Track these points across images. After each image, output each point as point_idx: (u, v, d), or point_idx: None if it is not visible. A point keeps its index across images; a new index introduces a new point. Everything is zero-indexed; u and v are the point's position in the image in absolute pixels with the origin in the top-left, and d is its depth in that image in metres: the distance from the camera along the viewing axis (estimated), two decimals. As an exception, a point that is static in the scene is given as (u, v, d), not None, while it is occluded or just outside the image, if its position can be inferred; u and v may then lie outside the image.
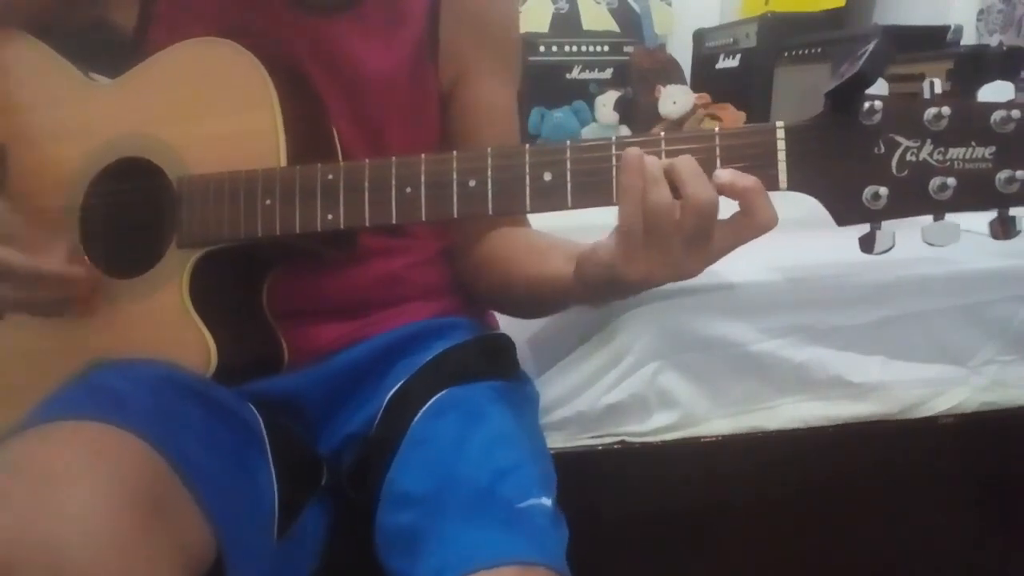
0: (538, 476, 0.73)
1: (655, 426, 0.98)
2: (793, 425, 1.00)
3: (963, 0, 2.06)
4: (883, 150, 0.58)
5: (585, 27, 2.75)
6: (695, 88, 2.21)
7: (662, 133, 0.62)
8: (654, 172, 0.60)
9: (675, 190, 0.60)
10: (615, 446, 0.98)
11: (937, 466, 1.04)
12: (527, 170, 0.65)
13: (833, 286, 1.01)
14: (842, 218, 0.60)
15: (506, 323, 0.99)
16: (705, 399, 0.99)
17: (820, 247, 1.08)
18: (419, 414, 0.77)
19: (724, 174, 0.60)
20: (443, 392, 0.78)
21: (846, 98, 0.58)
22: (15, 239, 0.73)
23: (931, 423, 1.02)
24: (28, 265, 0.72)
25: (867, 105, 0.58)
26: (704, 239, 0.61)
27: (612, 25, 2.77)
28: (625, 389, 0.96)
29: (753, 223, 0.60)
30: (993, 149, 0.57)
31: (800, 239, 1.14)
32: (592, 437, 0.98)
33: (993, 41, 1.95)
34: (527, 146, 0.65)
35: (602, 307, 0.95)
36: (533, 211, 0.65)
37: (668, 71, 2.20)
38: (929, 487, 1.04)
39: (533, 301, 0.85)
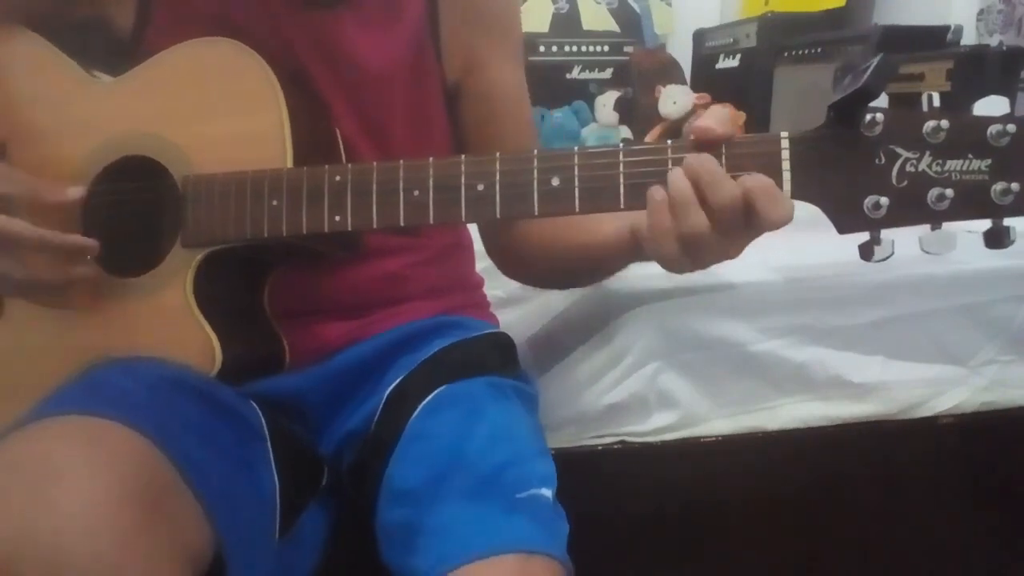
0: (538, 469, 0.73)
1: (655, 426, 0.98)
2: (793, 425, 1.00)
3: (963, 0, 2.06)
4: (883, 161, 0.60)
5: (585, 27, 2.75)
6: (695, 88, 2.20)
7: (669, 142, 0.63)
8: (685, 198, 0.61)
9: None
10: (615, 446, 0.98)
11: (937, 466, 1.04)
12: (535, 175, 0.65)
13: (833, 286, 1.01)
14: (844, 226, 0.61)
15: (506, 322, 0.99)
16: (705, 399, 0.99)
17: (820, 247, 1.08)
18: (417, 410, 0.77)
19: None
20: (441, 388, 0.78)
21: (849, 111, 0.60)
22: (23, 211, 0.72)
23: (931, 423, 1.02)
24: (36, 235, 0.71)
25: (869, 117, 0.59)
26: (738, 230, 0.62)
27: (612, 25, 2.77)
28: (625, 389, 0.96)
29: (769, 222, 0.61)
30: (989, 161, 0.58)
31: (800, 239, 1.14)
32: (592, 437, 0.98)
33: (993, 41, 1.95)
34: (535, 151, 0.66)
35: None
36: (541, 215, 0.66)
37: (668, 71, 2.20)
38: (929, 487, 1.05)
39: (590, 267, 0.86)
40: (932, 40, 1.84)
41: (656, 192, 0.62)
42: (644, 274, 0.99)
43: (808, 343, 1.00)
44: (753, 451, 0.99)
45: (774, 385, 1.00)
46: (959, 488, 1.06)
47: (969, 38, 1.96)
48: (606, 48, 2.54)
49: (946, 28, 1.89)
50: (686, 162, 0.62)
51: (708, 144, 0.62)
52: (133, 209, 0.80)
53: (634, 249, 0.72)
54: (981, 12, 2.02)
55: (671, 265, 0.66)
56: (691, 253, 0.63)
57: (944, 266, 1.03)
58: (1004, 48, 1.73)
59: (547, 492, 0.71)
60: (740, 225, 0.61)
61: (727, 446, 0.99)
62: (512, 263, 0.95)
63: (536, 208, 0.65)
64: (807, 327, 1.00)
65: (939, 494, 1.05)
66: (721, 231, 0.61)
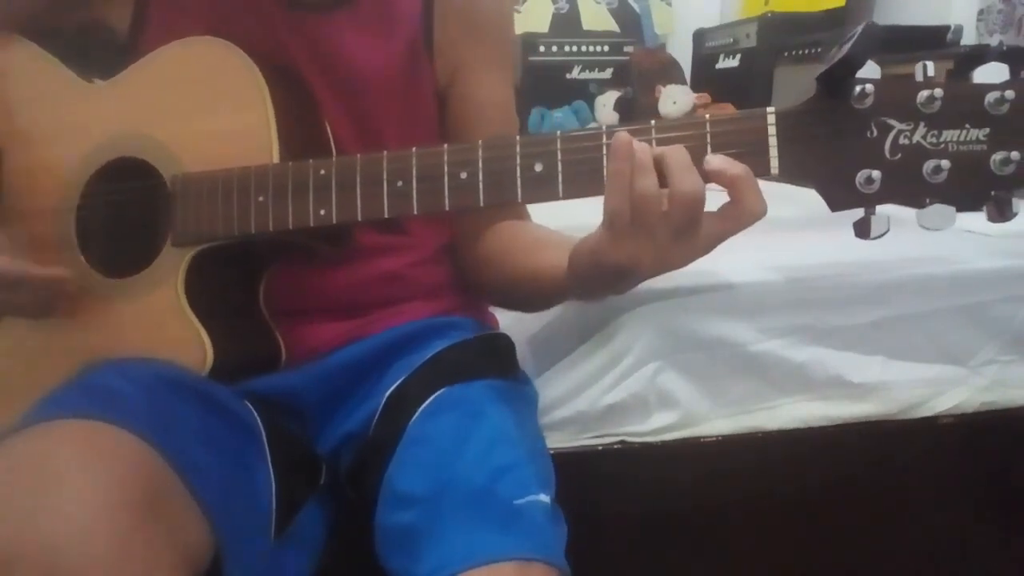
0: (536, 473, 0.72)
1: (655, 426, 0.98)
2: (793, 425, 1.00)
3: (963, 0, 2.06)
4: (876, 134, 0.58)
5: (585, 27, 2.75)
6: (695, 88, 2.21)
7: (652, 121, 0.61)
8: (643, 160, 0.59)
9: (663, 179, 0.59)
10: (615, 446, 0.97)
11: (937, 466, 1.04)
12: (518, 161, 0.64)
13: (833, 286, 1.01)
14: (836, 203, 0.59)
15: (506, 323, 0.99)
16: (705, 399, 0.99)
17: (820, 247, 1.07)
18: (417, 413, 0.77)
19: (715, 160, 0.59)
20: (441, 391, 0.78)
21: (837, 82, 0.58)
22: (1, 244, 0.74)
23: (931, 423, 1.02)
24: (15, 271, 0.73)
25: (859, 89, 0.57)
26: (691, 230, 0.60)
27: (612, 25, 2.78)
28: (625, 389, 0.96)
29: (742, 212, 0.59)
30: (987, 131, 0.56)
31: (800, 239, 1.14)
32: (592, 437, 0.98)
33: (993, 41, 1.95)
34: (518, 137, 0.65)
35: (596, 302, 0.95)
36: (525, 201, 0.66)
37: (668, 71, 2.20)
38: (929, 487, 1.04)
39: (532, 294, 0.85)
40: (932, 40, 1.84)
41: (620, 136, 0.60)
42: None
43: (808, 343, 1.00)
44: (753, 451, 0.99)
45: (774, 385, 1.00)
46: (959, 488, 1.05)
47: (969, 38, 1.96)
48: (606, 48, 2.54)
49: (946, 28, 1.89)
50: (657, 148, 0.59)
51: (725, 183, 0.60)
52: (126, 210, 0.80)
53: (568, 277, 0.70)
54: (981, 12, 2.02)
55: (619, 241, 0.61)
56: (639, 219, 0.59)
57: (944, 266, 1.03)
58: (1004, 48, 1.73)
59: (545, 497, 0.70)
60: (696, 225, 0.59)
61: (727, 446, 0.98)
62: (474, 283, 0.93)
63: (520, 194, 0.65)
64: (807, 327, 0.99)
65: (939, 494, 1.05)
66: (673, 222, 0.59)
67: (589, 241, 0.65)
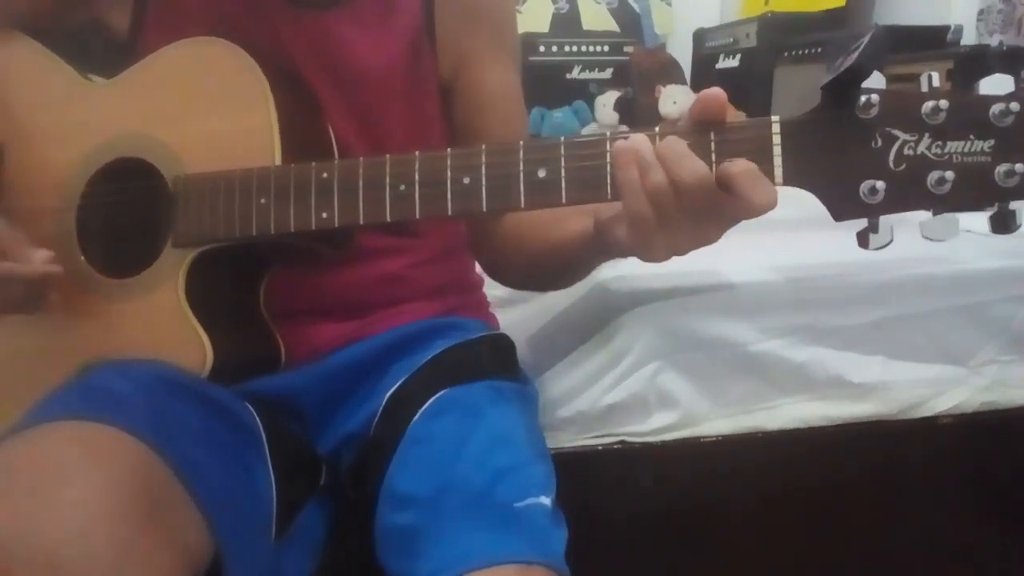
0: (537, 476, 0.73)
1: (655, 426, 0.98)
2: (793, 425, 1.00)
3: (963, 0, 2.06)
4: (880, 144, 0.57)
5: (585, 27, 2.75)
6: (695, 88, 2.21)
7: (656, 128, 0.61)
8: (647, 158, 0.59)
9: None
10: (615, 446, 0.97)
11: (937, 466, 1.04)
12: (521, 167, 0.64)
13: (833, 286, 1.01)
14: (839, 213, 0.59)
15: (506, 323, 0.99)
16: (705, 399, 0.99)
17: (820, 247, 1.07)
18: (418, 414, 0.77)
19: (720, 169, 0.59)
20: (442, 392, 0.78)
21: (842, 91, 0.57)
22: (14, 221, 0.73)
23: (931, 423, 1.02)
24: (3, 269, 0.71)
25: (864, 99, 0.57)
26: (711, 210, 0.59)
27: (612, 25, 2.78)
28: (625, 389, 0.96)
29: (750, 207, 0.58)
30: (992, 142, 0.56)
31: (800, 239, 1.14)
32: (592, 437, 0.98)
33: (993, 41, 1.95)
34: (521, 142, 0.65)
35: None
36: (528, 208, 0.65)
37: (668, 71, 2.20)
38: (929, 487, 1.04)
39: (560, 268, 0.84)
40: (932, 40, 1.84)
41: (618, 144, 0.60)
42: (644, 274, 1.00)
43: (808, 343, 1.00)
44: (753, 451, 0.99)
45: (774, 385, 1.00)
46: (959, 488, 1.05)
47: (969, 38, 1.96)
48: (606, 48, 2.54)
49: (946, 28, 1.89)
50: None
51: (711, 111, 0.60)
52: (127, 210, 0.80)
53: (598, 243, 0.69)
54: (981, 12, 2.02)
55: (648, 238, 0.61)
56: (662, 217, 0.59)
57: (944, 266, 1.03)
58: (1004, 48, 1.74)
59: (546, 500, 0.70)
60: (713, 206, 0.59)
61: (727, 446, 0.99)
62: (493, 265, 0.94)
63: (522, 200, 0.64)
64: (807, 327, 0.99)
65: (939, 494, 1.05)
66: (690, 209, 0.59)
67: (619, 236, 0.63)
